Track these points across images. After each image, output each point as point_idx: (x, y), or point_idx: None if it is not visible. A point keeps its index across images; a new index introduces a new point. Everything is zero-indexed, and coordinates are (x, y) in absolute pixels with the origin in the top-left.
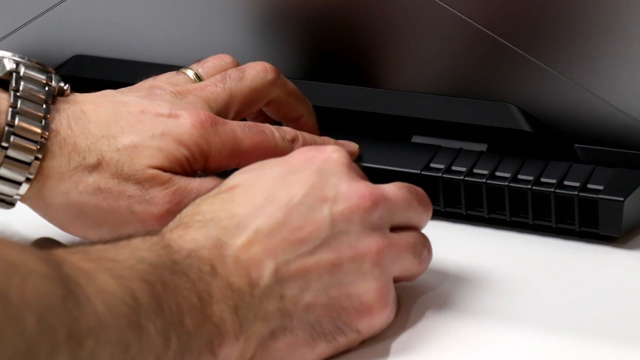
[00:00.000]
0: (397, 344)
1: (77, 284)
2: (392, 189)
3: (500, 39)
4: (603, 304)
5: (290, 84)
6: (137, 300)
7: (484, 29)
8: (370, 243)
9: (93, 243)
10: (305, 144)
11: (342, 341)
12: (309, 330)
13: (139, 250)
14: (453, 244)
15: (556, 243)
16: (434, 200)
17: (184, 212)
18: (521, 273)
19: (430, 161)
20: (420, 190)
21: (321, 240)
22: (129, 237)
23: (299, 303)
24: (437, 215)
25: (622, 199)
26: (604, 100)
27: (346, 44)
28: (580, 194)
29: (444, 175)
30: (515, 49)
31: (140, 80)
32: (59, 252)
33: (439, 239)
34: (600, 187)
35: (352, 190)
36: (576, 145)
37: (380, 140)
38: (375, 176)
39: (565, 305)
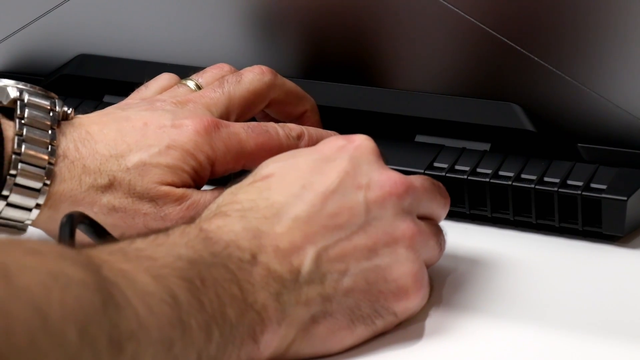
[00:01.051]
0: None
1: (116, 287)
2: (418, 180)
3: (504, 39)
4: (605, 303)
5: (289, 83)
6: (176, 299)
7: (487, 29)
8: (404, 228)
9: (132, 240)
10: (311, 139)
11: (379, 324)
12: (348, 314)
13: (176, 247)
14: (456, 242)
15: (559, 242)
16: None
17: (221, 200)
18: (524, 272)
19: (433, 160)
20: (441, 184)
21: (357, 226)
22: (167, 231)
23: (339, 288)
24: None
25: (625, 198)
26: (607, 100)
27: (350, 43)
28: (584, 193)
29: (447, 175)
30: (519, 48)
31: (143, 80)
32: (97, 253)
33: None
34: (604, 187)
35: (384, 178)
36: (579, 144)
37: (383, 140)
38: None
39: (567, 303)
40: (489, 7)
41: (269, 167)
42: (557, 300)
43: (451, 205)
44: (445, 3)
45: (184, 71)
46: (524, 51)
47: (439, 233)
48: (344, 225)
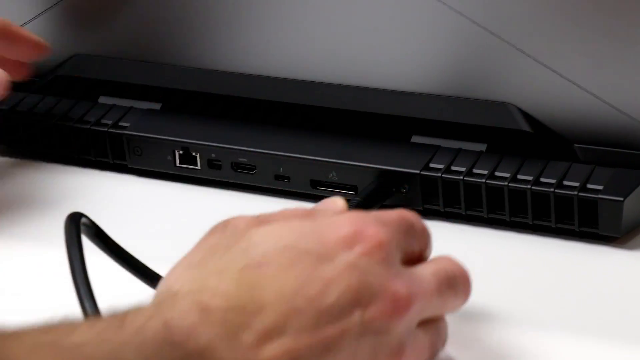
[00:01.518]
0: None
1: None
2: (429, 279)
3: (500, 38)
4: (602, 304)
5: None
6: None
7: (483, 28)
8: (395, 356)
9: (74, 328)
10: None
11: None
12: None
13: (125, 349)
14: (452, 244)
15: (556, 243)
16: (433, 200)
17: (204, 282)
18: (520, 273)
19: (429, 161)
20: (460, 272)
21: (346, 346)
22: (125, 319)
23: None
24: (437, 215)
25: (621, 199)
26: (603, 100)
27: (346, 43)
28: (580, 194)
29: (443, 176)
30: (515, 48)
31: (139, 81)
32: (17, 346)
33: (438, 239)
34: (600, 187)
35: (389, 293)
36: (576, 145)
37: (379, 140)
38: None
39: (564, 305)
40: (484, 6)
41: (265, 246)
42: (553, 301)
43: (447, 206)
44: (440, 1)
45: (179, 72)
46: (520, 51)
47: (437, 338)
48: (332, 344)
